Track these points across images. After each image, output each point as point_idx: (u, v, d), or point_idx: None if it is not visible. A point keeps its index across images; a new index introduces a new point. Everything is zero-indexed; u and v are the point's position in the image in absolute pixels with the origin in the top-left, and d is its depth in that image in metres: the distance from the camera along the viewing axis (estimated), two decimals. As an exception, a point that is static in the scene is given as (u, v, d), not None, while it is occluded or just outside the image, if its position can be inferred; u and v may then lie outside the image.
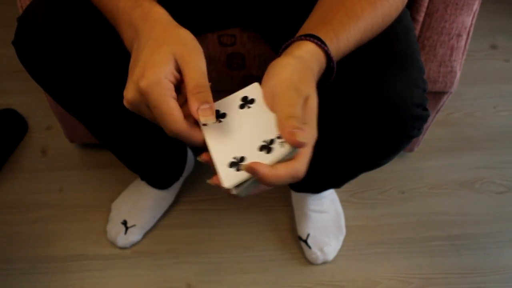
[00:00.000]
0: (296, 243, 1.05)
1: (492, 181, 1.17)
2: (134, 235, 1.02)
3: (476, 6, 0.81)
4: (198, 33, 0.81)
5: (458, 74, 0.90)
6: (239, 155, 0.45)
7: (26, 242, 1.04)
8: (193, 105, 0.43)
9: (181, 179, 1.08)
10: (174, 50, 0.45)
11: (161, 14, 0.49)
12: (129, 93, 0.45)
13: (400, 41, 0.63)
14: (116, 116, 0.72)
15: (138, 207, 1.03)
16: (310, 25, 0.54)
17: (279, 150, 0.44)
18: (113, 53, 0.61)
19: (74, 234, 1.05)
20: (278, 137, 0.44)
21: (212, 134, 0.47)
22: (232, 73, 0.86)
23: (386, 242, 1.06)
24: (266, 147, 0.45)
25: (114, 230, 1.02)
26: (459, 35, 0.84)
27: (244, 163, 0.44)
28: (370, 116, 0.59)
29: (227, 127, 0.47)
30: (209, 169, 0.46)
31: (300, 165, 0.44)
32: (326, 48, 0.50)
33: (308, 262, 1.02)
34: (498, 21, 1.55)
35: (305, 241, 1.01)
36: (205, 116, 0.43)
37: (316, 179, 0.91)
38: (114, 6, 0.52)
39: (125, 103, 0.47)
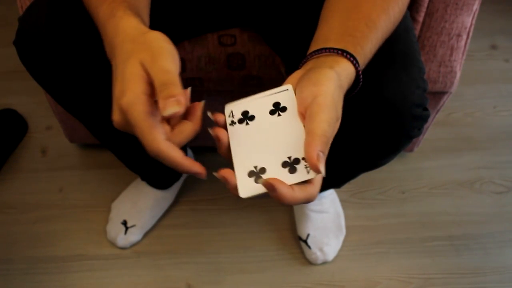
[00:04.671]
0: (296, 243, 1.05)
1: (492, 181, 1.17)
2: (134, 235, 1.02)
3: (476, 6, 0.81)
4: (198, 33, 0.81)
5: (458, 74, 0.90)
6: (260, 165, 0.44)
7: (26, 242, 1.04)
8: (160, 104, 0.40)
9: (181, 179, 1.08)
10: (140, 58, 0.43)
11: (131, 22, 0.47)
12: (115, 115, 0.43)
13: (400, 41, 0.63)
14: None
15: (138, 207, 1.03)
16: (333, 34, 0.53)
17: (303, 173, 0.42)
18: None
19: (74, 234, 1.05)
20: (305, 159, 0.43)
21: (237, 136, 0.46)
22: (232, 73, 0.86)
23: (386, 242, 1.06)
24: (290, 165, 0.43)
25: (114, 230, 1.02)
26: (459, 35, 0.84)
27: (264, 176, 0.43)
28: (370, 116, 0.59)
29: (254, 132, 0.46)
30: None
31: (315, 190, 0.43)
32: (359, 68, 0.49)
33: (308, 262, 1.02)
34: (498, 21, 1.55)
35: (305, 241, 1.01)
36: (166, 108, 0.40)
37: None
38: (96, 13, 0.50)
39: (114, 125, 0.45)
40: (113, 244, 1.03)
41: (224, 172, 0.43)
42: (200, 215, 1.09)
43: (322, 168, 0.41)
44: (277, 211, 1.10)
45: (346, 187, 1.02)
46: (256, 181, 0.43)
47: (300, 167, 0.43)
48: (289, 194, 0.41)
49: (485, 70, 1.41)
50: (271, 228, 1.07)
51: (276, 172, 0.43)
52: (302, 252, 1.04)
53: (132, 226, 1.02)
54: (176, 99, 0.40)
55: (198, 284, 0.99)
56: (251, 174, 0.43)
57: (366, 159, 0.70)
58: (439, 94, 0.95)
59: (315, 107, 0.43)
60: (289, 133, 0.45)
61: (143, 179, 1.03)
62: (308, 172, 0.42)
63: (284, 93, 0.47)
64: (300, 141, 0.44)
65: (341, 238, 1.04)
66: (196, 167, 0.43)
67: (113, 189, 1.10)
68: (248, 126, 0.46)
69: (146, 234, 1.05)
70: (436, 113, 1.01)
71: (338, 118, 0.45)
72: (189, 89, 0.44)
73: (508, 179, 1.18)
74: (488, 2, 1.55)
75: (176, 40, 0.81)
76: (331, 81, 0.45)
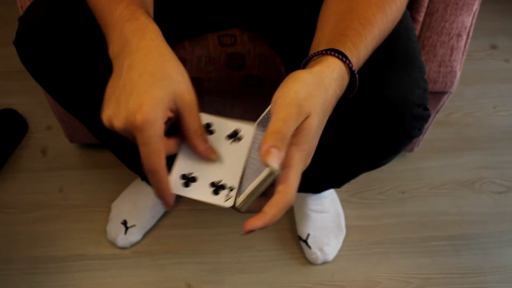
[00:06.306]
0: (296, 243, 1.05)
1: (492, 181, 1.17)
2: (134, 235, 1.02)
3: (476, 6, 0.81)
4: (198, 33, 0.81)
5: (458, 74, 0.90)
6: (194, 174, 0.49)
7: (26, 242, 1.04)
8: (201, 146, 0.48)
9: (181, 179, 1.08)
10: (175, 89, 0.45)
11: (157, 34, 0.48)
12: (119, 121, 0.44)
13: (400, 41, 0.63)
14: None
15: (138, 207, 1.03)
16: (325, 37, 0.53)
17: (221, 200, 0.48)
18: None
19: (74, 234, 1.05)
20: (231, 188, 0.48)
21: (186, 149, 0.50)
22: (232, 73, 0.86)
23: (386, 242, 1.06)
24: (216, 187, 0.48)
25: (114, 230, 1.02)
26: (459, 35, 0.84)
27: (192, 184, 0.49)
28: (370, 116, 0.59)
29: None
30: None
31: (288, 196, 0.44)
32: (348, 62, 0.49)
33: (308, 262, 1.02)
34: (498, 21, 1.55)
35: (305, 241, 1.01)
36: (210, 155, 0.49)
37: (316, 179, 0.91)
38: (107, 13, 0.51)
39: (107, 123, 0.46)
40: (113, 244, 1.03)
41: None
42: (200, 215, 1.09)
43: (272, 162, 0.42)
44: (277, 211, 1.10)
45: (346, 187, 1.03)
46: (184, 185, 0.48)
47: (222, 193, 0.48)
48: (264, 222, 0.44)
49: (485, 70, 1.41)
50: (271, 228, 1.07)
51: (202, 186, 0.48)
52: (302, 252, 1.04)
53: (132, 226, 1.02)
54: (210, 146, 0.49)
55: (198, 284, 0.99)
56: (183, 177, 0.49)
57: (367, 159, 0.70)
58: (439, 94, 0.95)
59: (274, 109, 0.45)
60: (230, 162, 0.50)
61: (143, 179, 1.03)
62: (225, 201, 0.48)
63: (248, 126, 0.51)
64: (236, 173, 0.49)
65: (341, 238, 1.04)
66: (170, 201, 0.47)
67: (113, 189, 1.10)
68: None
69: (146, 234, 1.05)
70: (436, 113, 1.01)
71: (303, 113, 0.45)
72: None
73: (508, 179, 1.18)
74: (488, 2, 1.55)
75: (176, 40, 0.81)
76: (294, 82, 0.46)
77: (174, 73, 0.46)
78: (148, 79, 0.44)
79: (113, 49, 0.49)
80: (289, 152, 0.45)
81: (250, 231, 0.44)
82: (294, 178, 0.45)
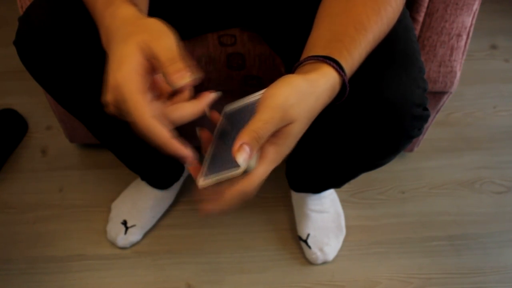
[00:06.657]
0: (296, 243, 1.05)
1: (492, 181, 1.17)
2: (134, 235, 1.02)
3: (476, 6, 0.81)
4: (198, 33, 0.81)
5: (458, 74, 0.90)
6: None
7: (26, 242, 1.04)
8: (170, 77, 0.42)
9: (181, 179, 1.08)
10: (138, 39, 0.44)
11: (128, 10, 0.48)
12: (108, 95, 0.44)
13: (400, 41, 0.63)
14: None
15: (138, 207, 1.03)
16: (321, 41, 0.53)
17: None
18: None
19: (74, 234, 1.05)
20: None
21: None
22: (232, 73, 0.86)
23: (386, 242, 1.06)
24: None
25: (114, 230, 1.02)
26: (459, 35, 0.84)
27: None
28: (370, 116, 0.59)
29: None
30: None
31: (248, 186, 0.45)
32: (342, 74, 0.50)
33: (308, 262, 1.02)
34: (498, 21, 1.55)
35: (305, 241, 1.01)
36: (180, 78, 0.42)
37: (316, 179, 0.91)
38: (93, 7, 0.52)
39: (106, 107, 0.46)
40: (113, 244, 1.03)
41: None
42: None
43: (241, 159, 0.43)
44: (277, 211, 1.10)
45: (346, 187, 1.03)
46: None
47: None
48: (220, 204, 0.46)
49: (485, 70, 1.41)
50: (271, 228, 1.07)
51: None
52: (302, 252, 1.04)
53: (132, 226, 1.02)
54: (188, 71, 0.43)
55: (198, 284, 0.99)
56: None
57: (366, 159, 0.70)
58: (439, 94, 0.95)
59: (260, 107, 0.45)
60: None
61: (143, 179, 1.03)
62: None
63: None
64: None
65: (341, 238, 1.04)
66: (182, 150, 0.43)
67: (113, 189, 1.10)
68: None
69: (146, 234, 1.05)
70: (436, 113, 1.01)
71: (286, 119, 0.45)
72: (214, 94, 0.48)
73: (508, 179, 1.18)
74: (488, 2, 1.55)
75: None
76: (288, 87, 0.46)
77: (137, 29, 0.45)
78: (116, 49, 0.45)
79: (103, 39, 0.50)
80: (265, 147, 0.46)
81: (207, 215, 0.46)
82: (261, 172, 0.46)
